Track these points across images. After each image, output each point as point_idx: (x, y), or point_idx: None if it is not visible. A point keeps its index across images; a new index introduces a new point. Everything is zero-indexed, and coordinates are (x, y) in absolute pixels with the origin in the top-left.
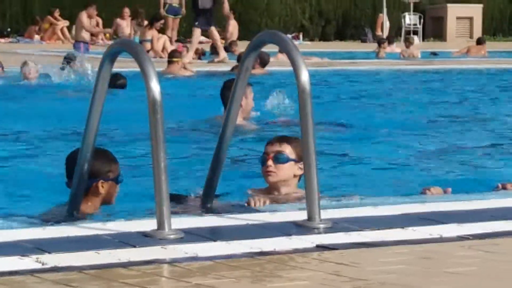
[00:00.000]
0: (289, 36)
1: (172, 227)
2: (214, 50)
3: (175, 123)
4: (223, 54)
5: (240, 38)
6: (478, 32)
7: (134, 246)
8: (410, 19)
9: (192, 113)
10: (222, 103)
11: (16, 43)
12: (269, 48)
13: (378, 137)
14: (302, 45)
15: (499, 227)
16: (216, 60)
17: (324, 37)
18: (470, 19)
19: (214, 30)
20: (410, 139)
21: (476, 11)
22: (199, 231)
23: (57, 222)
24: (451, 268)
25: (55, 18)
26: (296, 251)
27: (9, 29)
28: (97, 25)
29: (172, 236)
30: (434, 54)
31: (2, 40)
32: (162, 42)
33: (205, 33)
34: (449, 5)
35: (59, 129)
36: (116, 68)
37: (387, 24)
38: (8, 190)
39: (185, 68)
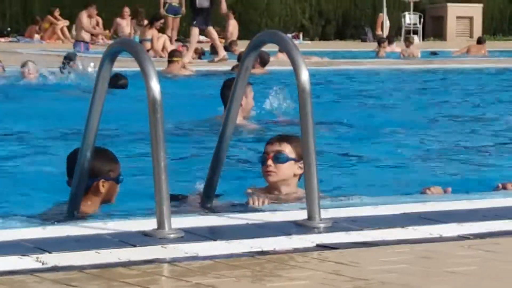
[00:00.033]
0: (289, 35)
1: (172, 227)
2: (214, 50)
3: (175, 122)
4: (222, 52)
5: (240, 38)
6: (478, 31)
7: (134, 246)
8: (410, 18)
9: (192, 113)
10: (222, 102)
11: (16, 43)
12: (269, 47)
13: (378, 136)
14: (302, 44)
15: (499, 226)
16: (216, 59)
17: (324, 37)
18: (470, 18)
19: (211, 29)
20: (410, 138)
21: (476, 10)
22: (199, 230)
23: (57, 221)
24: (451, 267)
25: (55, 18)
26: (296, 250)
27: (9, 29)
28: (97, 24)
29: (172, 236)
30: (434, 53)
31: (2, 39)
32: (162, 41)
33: (203, 32)
34: (449, 4)
35: (59, 129)
36: (116, 68)
37: (387, 24)
38: (8, 190)
39: (185, 67)
